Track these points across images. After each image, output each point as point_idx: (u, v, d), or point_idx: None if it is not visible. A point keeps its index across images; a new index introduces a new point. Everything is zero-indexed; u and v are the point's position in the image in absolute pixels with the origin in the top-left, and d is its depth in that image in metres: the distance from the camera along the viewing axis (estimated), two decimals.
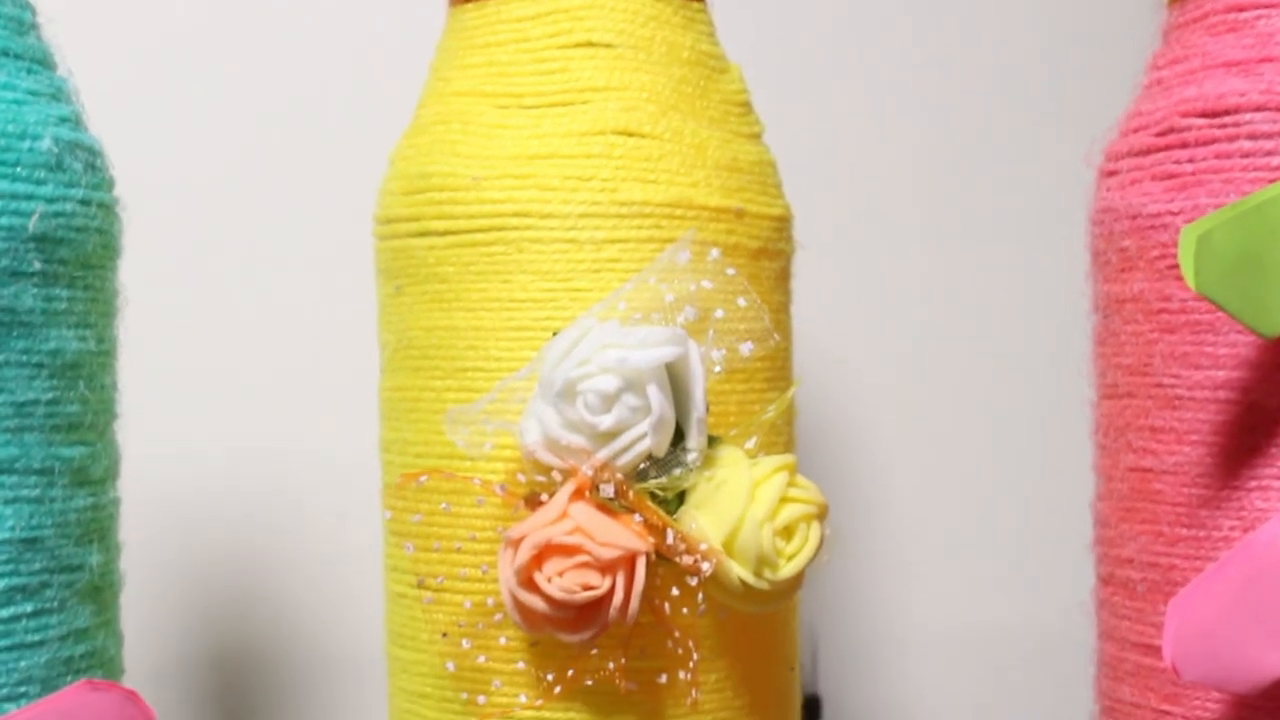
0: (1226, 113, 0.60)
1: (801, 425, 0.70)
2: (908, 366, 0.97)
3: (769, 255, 0.67)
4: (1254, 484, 0.58)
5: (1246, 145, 0.59)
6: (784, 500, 0.62)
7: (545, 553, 0.60)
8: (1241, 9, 0.61)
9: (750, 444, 0.63)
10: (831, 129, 0.94)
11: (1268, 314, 0.55)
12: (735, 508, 0.61)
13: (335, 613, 0.92)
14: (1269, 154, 0.59)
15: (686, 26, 0.68)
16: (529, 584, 0.60)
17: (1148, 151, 0.61)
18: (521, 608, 0.61)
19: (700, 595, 0.61)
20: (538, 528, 0.60)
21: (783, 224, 0.68)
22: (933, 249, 0.96)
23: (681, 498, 0.62)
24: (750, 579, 0.61)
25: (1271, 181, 0.58)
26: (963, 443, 0.97)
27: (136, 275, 0.64)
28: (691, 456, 0.62)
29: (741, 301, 0.63)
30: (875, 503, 0.98)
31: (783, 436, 0.67)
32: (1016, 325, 0.96)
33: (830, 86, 0.95)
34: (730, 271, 0.63)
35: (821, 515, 0.62)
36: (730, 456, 0.62)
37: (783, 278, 0.68)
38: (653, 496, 0.62)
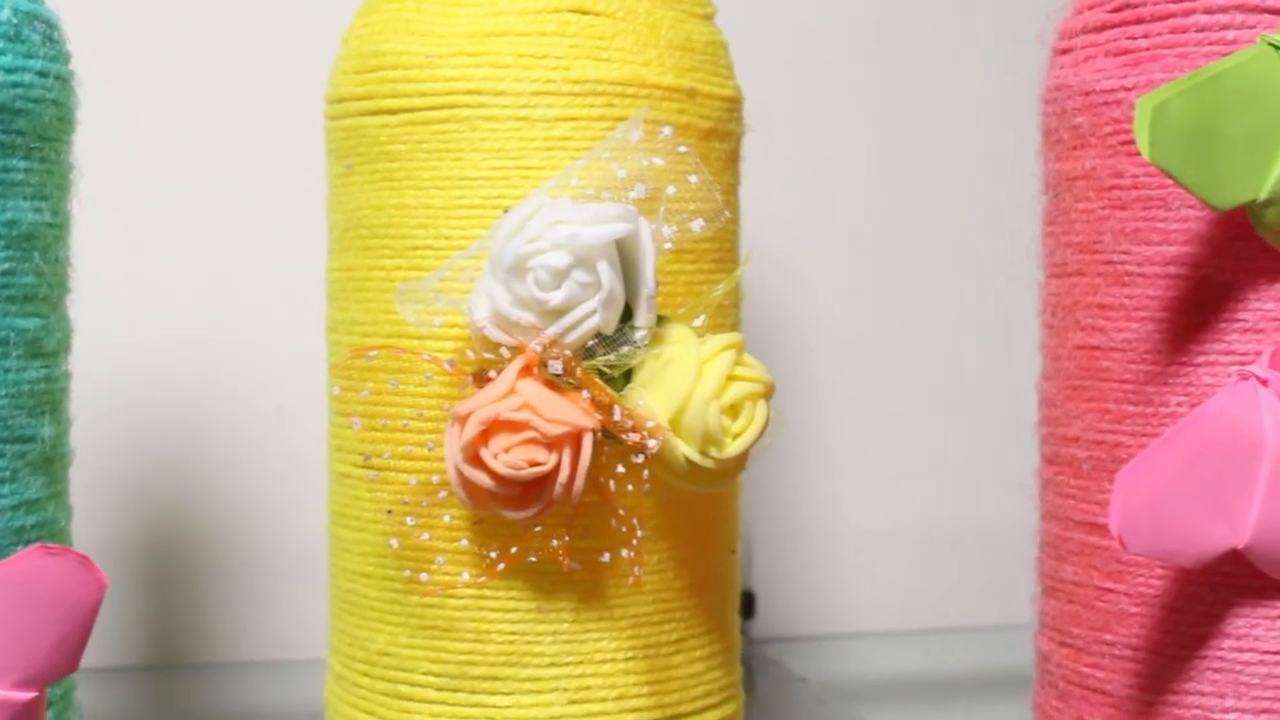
0: None
1: (746, 312, 0.70)
2: (853, 252, 0.97)
3: (719, 136, 0.67)
4: (1202, 359, 0.58)
5: (1202, 19, 0.59)
6: (731, 378, 0.61)
7: (492, 428, 0.60)
8: None
9: (698, 322, 0.63)
10: (782, 10, 0.94)
11: (1220, 186, 0.55)
12: (682, 385, 0.61)
13: (275, 498, 0.92)
14: (1224, 28, 0.58)
15: None
16: (475, 460, 0.60)
17: (1102, 28, 0.61)
18: (467, 484, 0.61)
19: (645, 474, 0.61)
20: (485, 404, 0.60)
21: (734, 105, 0.68)
22: (881, 133, 0.96)
23: (629, 376, 0.62)
24: (696, 457, 0.61)
25: (1226, 55, 0.57)
26: (907, 331, 0.98)
27: (85, 153, 0.64)
28: (640, 334, 0.61)
29: (693, 179, 0.62)
30: (816, 394, 0.98)
31: (729, 318, 0.67)
32: (966, 207, 0.96)
33: None
34: (682, 149, 0.63)
35: (768, 394, 0.62)
36: (678, 334, 0.62)
37: (732, 159, 0.68)
38: (600, 374, 0.61)
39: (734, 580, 0.70)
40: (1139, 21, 0.60)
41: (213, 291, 0.91)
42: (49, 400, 0.60)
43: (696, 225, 0.62)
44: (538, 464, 0.60)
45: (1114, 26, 0.61)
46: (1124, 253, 0.60)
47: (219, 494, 0.91)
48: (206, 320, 0.91)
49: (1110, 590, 0.60)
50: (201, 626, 0.91)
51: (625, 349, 0.61)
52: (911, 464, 1.00)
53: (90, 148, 0.64)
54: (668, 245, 0.61)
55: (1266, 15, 0.58)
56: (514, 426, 0.60)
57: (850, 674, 0.96)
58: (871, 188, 0.97)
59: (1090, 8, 0.62)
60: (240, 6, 0.91)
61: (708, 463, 0.61)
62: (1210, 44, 0.58)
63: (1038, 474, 0.64)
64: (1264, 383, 0.56)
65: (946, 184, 0.97)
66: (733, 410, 0.61)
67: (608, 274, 0.60)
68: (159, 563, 0.91)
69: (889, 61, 0.96)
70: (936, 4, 0.96)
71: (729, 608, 0.69)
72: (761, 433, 0.62)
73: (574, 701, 0.64)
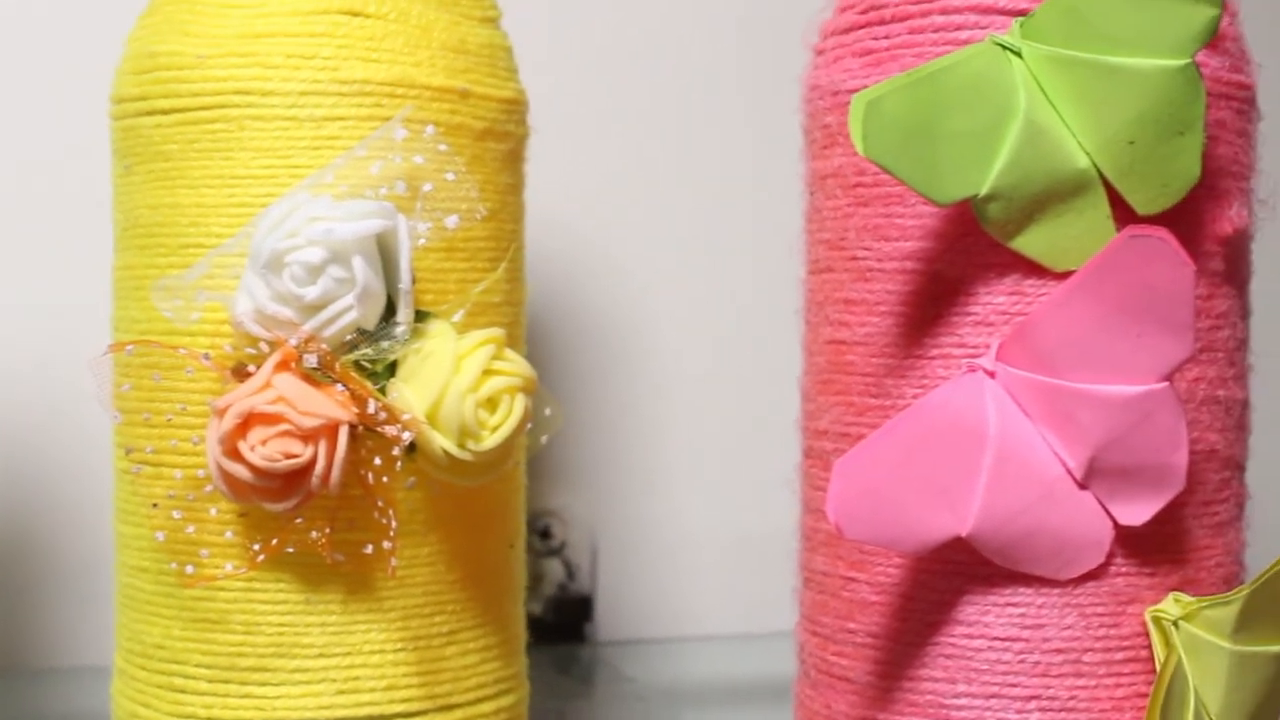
0: None
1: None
2: (654, 253, 0.98)
3: (495, 136, 0.68)
4: (936, 352, 0.59)
5: (938, 20, 0.60)
6: (488, 372, 0.62)
7: (249, 421, 0.61)
8: None
9: (457, 317, 0.64)
10: (576, 18, 0.95)
11: (941, 182, 0.56)
12: (439, 378, 0.62)
13: (71, 499, 0.92)
14: (959, 28, 0.60)
15: None
16: (233, 453, 0.61)
17: (851, 29, 0.62)
18: (227, 477, 0.61)
19: (400, 465, 0.62)
20: (242, 397, 0.61)
21: (513, 106, 0.69)
22: (673, 138, 0.97)
23: (392, 369, 0.63)
24: (453, 449, 0.62)
25: None
26: (735, 331, 0.99)
27: None
28: (399, 329, 0.62)
29: (450, 176, 0.63)
30: (653, 399, 0.99)
31: (504, 316, 0.68)
32: (755, 207, 0.97)
33: None
34: (442, 147, 0.64)
35: (527, 388, 0.63)
36: (438, 329, 0.63)
37: (512, 159, 0.69)
38: (363, 368, 0.62)
39: (514, 574, 0.70)
40: (882, 23, 0.61)
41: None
42: None
43: (451, 221, 0.63)
44: (293, 456, 0.61)
45: (860, 28, 0.62)
46: (866, 249, 0.61)
47: (11, 497, 0.91)
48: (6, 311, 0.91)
49: (853, 579, 0.61)
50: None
51: (385, 343, 0.62)
52: (746, 469, 1.01)
53: None
54: (422, 241, 0.63)
55: (999, 16, 0.59)
56: (270, 419, 0.61)
57: (682, 677, 0.96)
58: (681, 184, 0.99)
59: (844, 9, 0.63)
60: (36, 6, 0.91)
61: (465, 455, 0.62)
62: (945, 44, 0.59)
63: (798, 468, 0.65)
64: (991, 374, 0.57)
65: (739, 184, 0.98)
66: (490, 404, 0.62)
67: (363, 269, 0.61)
68: None
69: (681, 67, 0.98)
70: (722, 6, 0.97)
71: (508, 601, 0.70)
72: (520, 426, 0.63)
73: (342, 692, 0.65)
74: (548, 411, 0.69)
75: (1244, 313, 0.62)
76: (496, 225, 0.68)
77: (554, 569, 0.99)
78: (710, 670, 0.98)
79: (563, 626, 0.99)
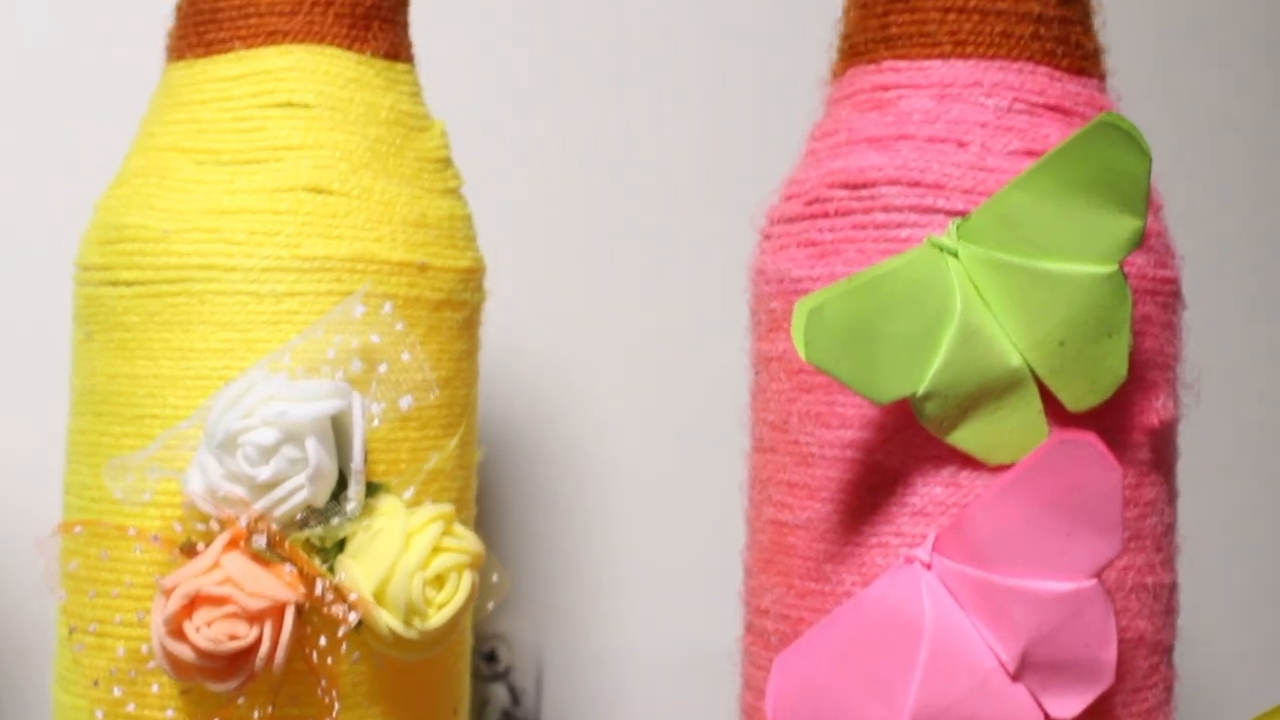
0: (865, 185, 0.63)
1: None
2: (610, 404, 1.00)
3: (452, 306, 0.69)
4: (874, 541, 0.61)
5: (880, 218, 0.62)
6: (437, 550, 0.64)
7: (195, 602, 0.62)
8: (885, 88, 0.64)
9: (408, 494, 0.65)
10: (534, 182, 0.97)
11: (878, 382, 0.58)
12: (388, 556, 0.63)
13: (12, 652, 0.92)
14: (899, 226, 0.62)
15: (388, 87, 0.70)
16: (178, 633, 0.62)
17: (796, 219, 0.64)
18: (170, 656, 0.62)
19: (345, 645, 0.63)
20: (189, 577, 0.62)
21: (470, 275, 0.71)
22: (626, 301, 0.99)
23: (342, 545, 0.64)
24: (399, 628, 0.63)
25: (899, 251, 0.60)
26: (657, 455, 1.00)
27: None
28: (350, 506, 0.64)
29: (406, 356, 0.65)
30: (588, 527, 1.00)
31: (455, 482, 0.69)
32: (703, 372, 0.98)
33: (534, 144, 0.97)
34: (399, 326, 0.65)
35: (475, 564, 0.65)
36: (388, 506, 0.65)
37: (467, 327, 0.71)
38: (311, 545, 0.64)
39: None
40: (826, 215, 0.63)
41: None
42: None
43: (405, 403, 0.64)
44: (238, 638, 0.61)
45: (805, 218, 0.64)
46: (808, 434, 0.62)
47: None
48: None
49: None
50: None
51: (335, 521, 0.64)
52: (693, 589, 1.01)
53: None
54: (375, 422, 0.64)
55: (939, 216, 0.61)
56: (216, 600, 0.62)
57: None
58: (619, 339, 1.00)
59: (789, 198, 0.65)
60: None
61: (411, 634, 0.63)
62: (886, 241, 0.61)
63: (738, 641, 0.67)
64: (927, 566, 0.59)
65: (686, 347, 1.00)
66: (438, 581, 0.64)
67: (316, 450, 0.62)
68: None
69: (635, 233, 0.99)
70: (681, 176, 0.99)
71: None
72: (467, 603, 0.64)
73: None
74: (495, 578, 0.70)
75: (1171, 497, 0.64)
76: (450, 392, 0.69)
77: (499, 694, 1.00)
78: None
79: None
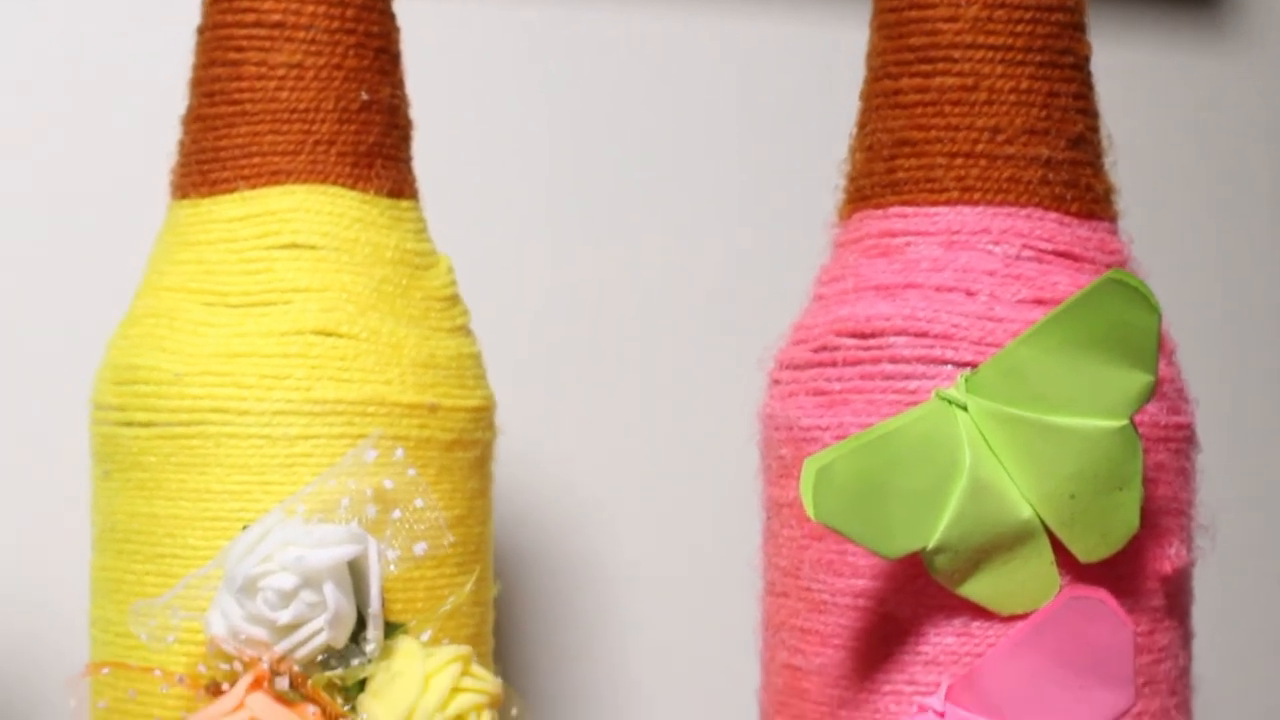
0: (872, 335, 0.63)
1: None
2: (625, 535, 1.00)
3: (463, 445, 0.70)
4: (888, 688, 0.62)
5: (888, 368, 0.63)
6: (456, 690, 0.64)
7: None
8: (893, 234, 0.65)
9: (426, 635, 0.66)
10: (542, 315, 0.98)
11: (889, 537, 0.59)
12: (408, 697, 0.64)
13: None
14: (907, 377, 0.62)
15: (393, 226, 0.71)
16: None
17: (805, 366, 0.65)
18: None
19: None
20: (215, 717, 0.63)
21: (481, 414, 0.71)
22: (640, 434, 0.99)
23: (362, 685, 0.65)
24: None
25: (908, 403, 0.61)
26: (674, 562, 1.00)
27: None
28: (370, 648, 0.65)
29: (419, 502, 0.66)
30: (608, 657, 1.00)
31: (472, 619, 0.70)
32: (713, 509, 0.99)
33: (540, 280, 0.98)
34: (411, 472, 0.66)
35: (494, 704, 0.65)
36: (406, 648, 0.65)
37: (479, 464, 0.71)
38: (333, 685, 0.64)
39: None
40: (834, 364, 0.64)
41: None
42: None
43: (419, 549, 0.65)
44: None
45: (814, 366, 0.64)
46: (820, 582, 0.63)
47: None
48: None
49: None
50: None
51: (356, 662, 0.65)
52: (712, 692, 1.01)
53: None
54: (392, 567, 0.65)
55: (946, 366, 0.62)
56: None
57: None
58: (637, 480, 1.01)
59: (797, 343, 0.66)
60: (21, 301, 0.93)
61: None
62: (895, 392, 0.62)
63: None
64: (940, 715, 0.60)
65: (703, 489, 1.00)
66: None
67: (334, 594, 0.63)
68: None
69: (651, 365, 1.00)
70: (695, 310, 1.00)
71: None
72: None
73: None
74: (514, 712, 0.71)
75: (1185, 640, 0.65)
76: (464, 531, 0.70)
77: None
78: None
79: None
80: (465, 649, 0.66)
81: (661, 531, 0.99)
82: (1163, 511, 0.63)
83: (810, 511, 0.57)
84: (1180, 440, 0.64)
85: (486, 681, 0.66)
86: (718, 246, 1.00)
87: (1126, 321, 0.58)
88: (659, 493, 0.99)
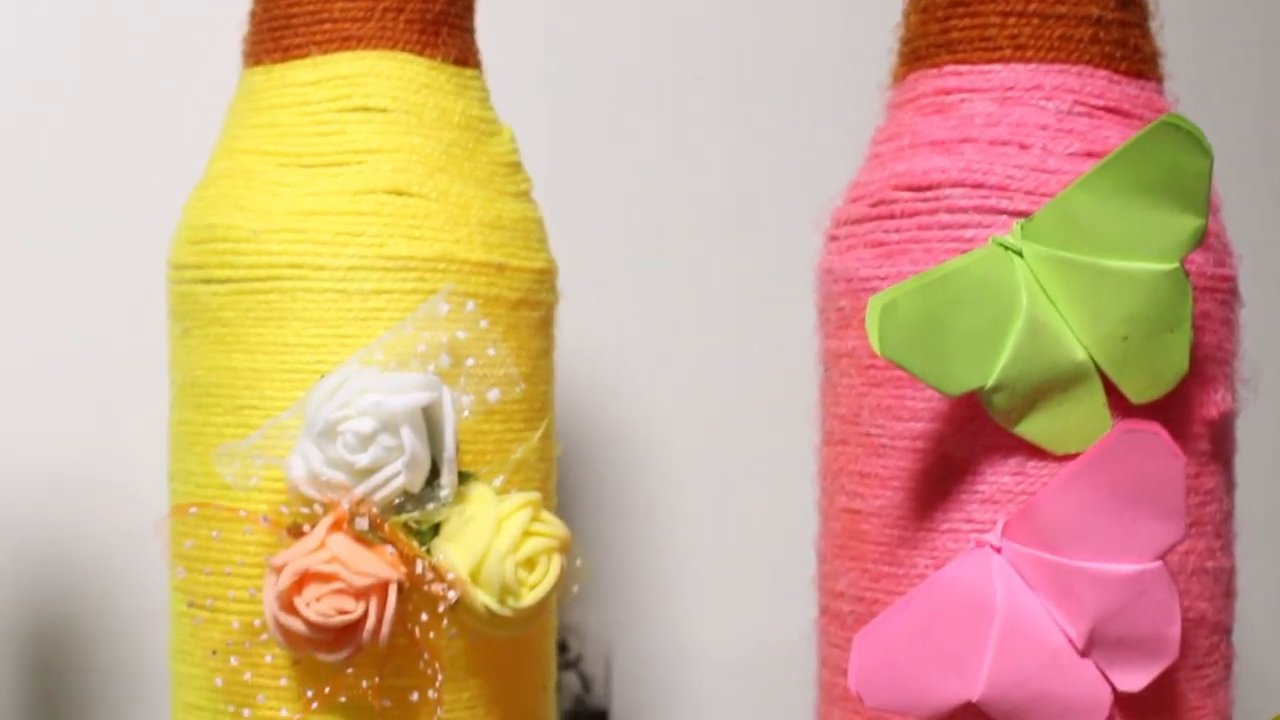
0: (929, 188, 0.65)
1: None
2: (676, 402, 1.03)
3: (529, 305, 0.72)
4: (945, 527, 0.64)
5: (945, 219, 0.65)
6: (527, 534, 0.67)
7: (304, 579, 0.65)
8: (947, 92, 0.67)
9: (498, 481, 0.68)
10: (601, 187, 1.00)
11: (949, 375, 0.61)
12: (481, 540, 0.66)
13: (128, 626, 0.95)
14: (963, 226, 0.64)
15: (459, 93, 0.73)
16: (289, 608, 0.65)
17: (862, 220, 0.67)
18: (283, 629, 0.66)
19: (446, 621, 0.66)
20: (298, 556, 0.65)
21: (544, 276, 0.74)
22: (694, 303, 1.02)
23: (436, 529, 0.67)
24: (495, 606, 0.66)
25: (964, 251, 0.63)
26: (725, 447, 1.03)
27: None
28: (444, 493, 0.67)
29: (491, 351, 0.68)
30: (655, 519, 1.03)
31: (538, 473, 0.72)
32: (771, 370, 1.01)
33: (598, 148, 1.01)
34: (483, 324, 0.68)
35: (563, 548, 0.68)
36: (479, 493, 0.68)
37: (543, 325, 0.74)
38: (409, 528, 0.67)
39: (547, 715, 0.75)
40: (892, 217, 0.66)
41: (69, 431, 0.95)
42: None
43: (492, 395, 0.68)
44: (346, 612, 0.65)
45: (871, 220, 0.67)
46: (879, 426, 0.65)
47: (68, 619, 0.95)
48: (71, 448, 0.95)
49: None
50: None
51: (430, 506, 0.67)
52: (761, 581, 1.04)
53: None
54: (465, 413, 0.67)
55: (1001, 216, 0.64)
56: (324, 578, 0.65)
57: None
58: (689, 342, 1.03)
59: (854, 200, 0.68)
60: (97, 167, 0.95)
61: (506, 611, 0.66)
62: (951, 241, 0.64)
63: (814, 623, 0.70)
64: (997, 550, 0.62)
65: (755, 345, 1.03)
66: (529, 564, 0.67)
67: (411, 439, 0.65)
68: (24, 688, 0.94)
69: (700, 236, 1.02)
70: (747, 177, 1.02)
71: None
72: (557, 584, 0.68)
73: None
74: (579, 563, 0.73)
75: (1229, 486, 0.67)
76: (530, 388, 0.72)
77: (570, 681, 1.03)
78: None
79: None
80: (535, 495, 0.68)
81: (715, 395, 1.02)
82: (1208, 359, 0.65)
83: (876, 346, 0.60)
84: (1225, 292, 0.66)
85: (556, 526, 0.68)
86: (771, 113, 1.02)
87: (1179, 166, 0.60)
88: (713, 355, 1.02)
